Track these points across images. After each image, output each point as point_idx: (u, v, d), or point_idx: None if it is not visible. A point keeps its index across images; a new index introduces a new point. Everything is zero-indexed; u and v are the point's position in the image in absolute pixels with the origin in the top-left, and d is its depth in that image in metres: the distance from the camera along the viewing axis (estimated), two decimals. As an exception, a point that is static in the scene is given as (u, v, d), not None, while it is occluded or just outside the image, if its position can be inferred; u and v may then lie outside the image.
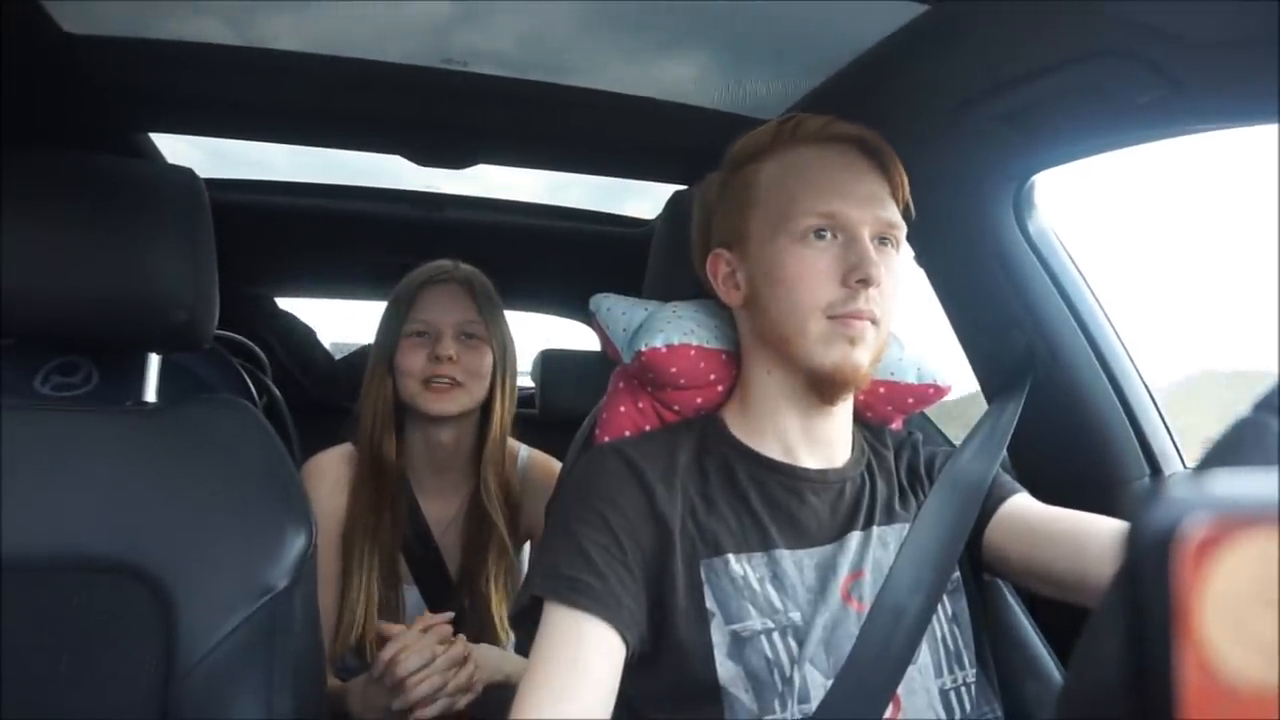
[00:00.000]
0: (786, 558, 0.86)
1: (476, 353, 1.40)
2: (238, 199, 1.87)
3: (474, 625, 1.38)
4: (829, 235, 0.87)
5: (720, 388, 1.00)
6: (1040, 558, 0.88)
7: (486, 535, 1.41)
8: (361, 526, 1.36)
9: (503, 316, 1.46)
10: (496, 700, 1.34)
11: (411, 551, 1.42)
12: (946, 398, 1.06)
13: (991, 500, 0.94)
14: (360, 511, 1.37)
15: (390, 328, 1.42)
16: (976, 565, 0.95)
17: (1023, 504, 0.95)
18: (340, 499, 1.38)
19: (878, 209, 0.88)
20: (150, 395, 1.08)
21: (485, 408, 1.43)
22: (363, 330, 2.48)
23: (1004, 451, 1.02)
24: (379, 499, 1.38)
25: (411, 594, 1.42)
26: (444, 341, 1.38)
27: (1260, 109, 0.90)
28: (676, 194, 1.15)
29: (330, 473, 1.40)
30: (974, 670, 0.88)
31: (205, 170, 1.08)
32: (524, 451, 1.53)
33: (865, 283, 0.84)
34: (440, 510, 1.45)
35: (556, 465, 1.47)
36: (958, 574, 0.92)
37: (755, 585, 0.84)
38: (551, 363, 2.14)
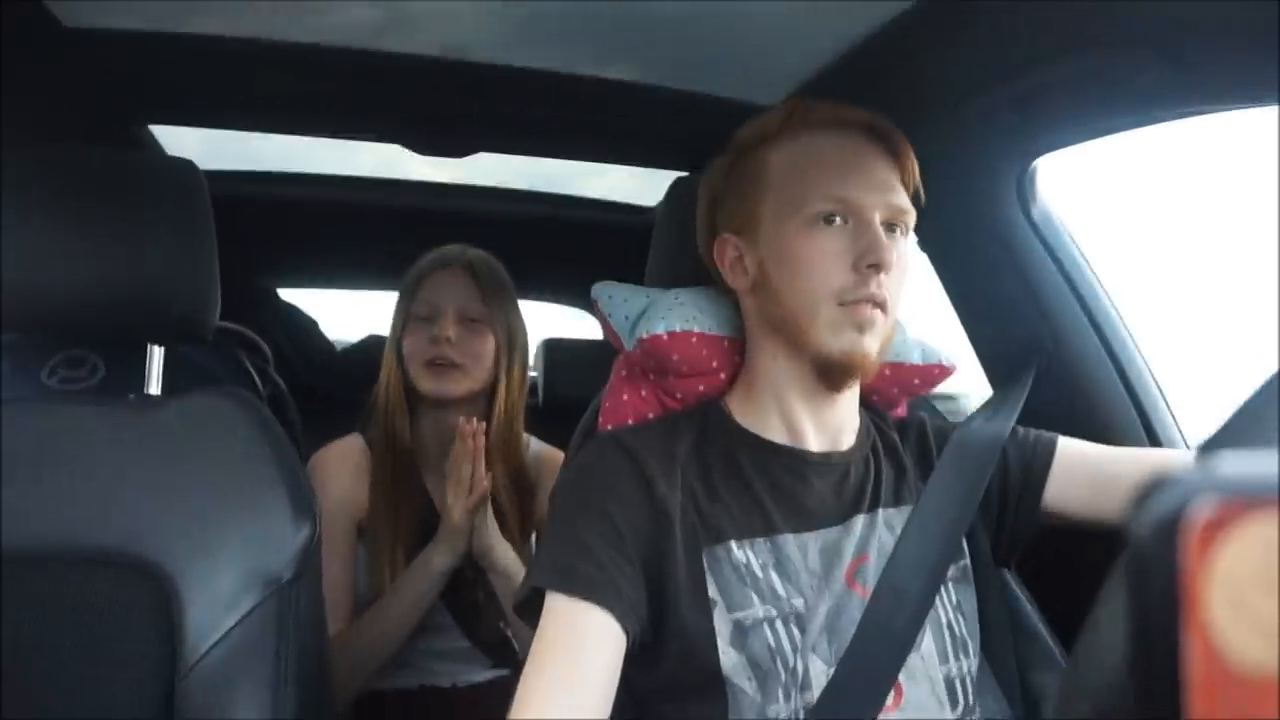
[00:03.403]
0: (790, 542, 0.86)
1: (478, 337, 1.42)
2: (239, 190, 1.87)
3: (490, 612, 1.39)
4: (840, 220, 0.86)
5: (723, 375, 1.00)
6: (1109, 499, 0.91)
7: (496, 521, 1.42)
8: (384, 511, 1.37)
9: (511, 302, 1.47)
10: (499, 691, 1.36)
11: (425, 533, 1.43)
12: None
13: (1038, 460, 0.95)
14: (381, 495, 1.38)
15: (398, 314, 1.45)
16: (986, 553, 0.95)
17: (1075, 447, 0.97)
18: (356, 487, 1.39)
19: (888, 195, 0.88)
20: (155, 388, 1.08)
21: (492, 392, 1.44)
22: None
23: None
24: (397, 483, 1.39)
25: None
26: (443, 323, 1.39)
27: (1264, 90, 0.89)
28: (678, 180, 1.15)
29: (345, 461, 1.41)
30: (979, 659, 0.88)
31: (205, 162, 1.08)
32: (533, 444, 1.53)
33: (876, 268, 0.84)
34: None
35: (561, 457, 1.48)
36: (966, 562, 0.91)
37: (758, 572, 0.84)
38: (555, 351, 2.14)
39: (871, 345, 0.86)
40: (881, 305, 0.86)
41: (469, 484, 1.26)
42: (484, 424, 1.29)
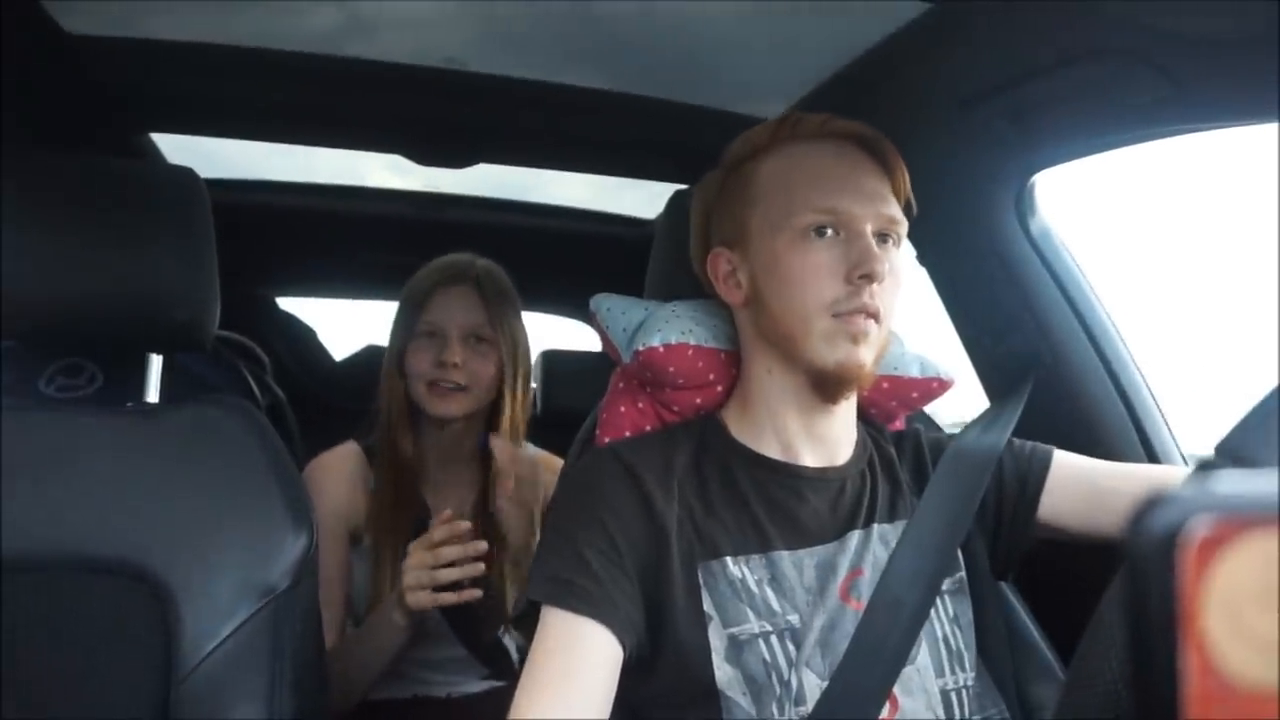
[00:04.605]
0: (785, 559, 0.86)
1: (484, 357, 1.40)
2: (239, 199, 1.87)
3: (487, 618, 1.38)
4: (830, 232, 0.86)
5: (720, 388, 0.99)
6: (1104, 513, 0.90)
7: (495, 533, 1.41)
8: (387, 521, 1.36)
9: (515, 315, 1.45)
10: (494, 702, 1.35)
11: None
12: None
13: (1034, 472, 0.95)
14: (384, 507, 1.37)
15: (401, 327, 1.42)
16: (983, 565, 0.95)
17: (1071, 461, 0.96)
18: (352, 495, 1.38)
19: (879, 205, 0.88)
20: (153, 396, 1.08)
21: (495, 405, 1.44)
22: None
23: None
24: (400, 494, 1.39)
25: None
26: (450, 347, 1.37)
27: (1262, 108, 0.90)
28: (677, 193, 1.15)
29: (340, 469, 1.41)
30: (976, 672, 0.88)
31: (206, 170, 1.08)
32: (530, 450, 1.53)
33: (869, 278, 0.84)
34: (446, 503, 1.45)
35: (559, 463, 1.47)
36: (962, 574, 0.91)
37: (754, 588, 0.84)
38: (554, 362, 2.14)
39: (866, 356, 0.86)
40: (875, 315, 0.85)
41: (430, 578, 1.19)
42: (467, 522, 1.23)
